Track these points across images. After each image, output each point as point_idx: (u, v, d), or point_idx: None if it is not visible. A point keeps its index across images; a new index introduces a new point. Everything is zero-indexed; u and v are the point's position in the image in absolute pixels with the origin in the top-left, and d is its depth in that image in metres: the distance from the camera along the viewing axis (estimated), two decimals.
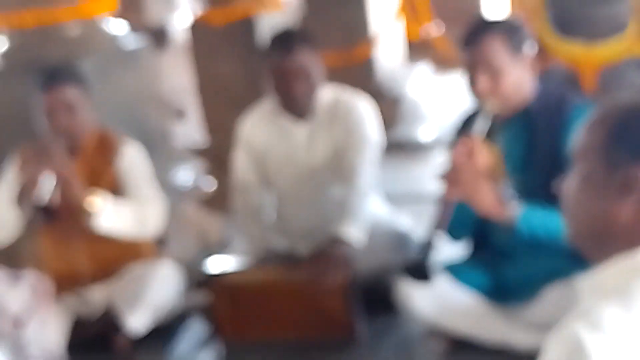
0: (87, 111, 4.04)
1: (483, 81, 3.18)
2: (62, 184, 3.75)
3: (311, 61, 3.91)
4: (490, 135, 3.14)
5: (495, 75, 3.18)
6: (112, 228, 3.91)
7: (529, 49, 3.27)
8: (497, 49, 3.18)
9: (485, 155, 3.04)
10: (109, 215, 3.87)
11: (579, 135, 1.81)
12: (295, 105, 3.96)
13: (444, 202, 3.06)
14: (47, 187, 3.66)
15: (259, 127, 4.10)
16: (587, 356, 1.54)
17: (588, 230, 1.76)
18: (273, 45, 3.96)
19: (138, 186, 4.06)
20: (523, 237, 3.02)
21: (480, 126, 3.14)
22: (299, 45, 3.89)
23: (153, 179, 4.15)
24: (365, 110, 4.02)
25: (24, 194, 3.70)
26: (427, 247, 3.04)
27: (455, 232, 3.31)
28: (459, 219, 3.20)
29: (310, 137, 4.03)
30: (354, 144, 3.94)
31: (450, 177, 3.04)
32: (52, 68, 4.15)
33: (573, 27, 7.82)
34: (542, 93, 3.28)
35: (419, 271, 3.06)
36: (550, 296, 3.24)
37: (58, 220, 3.75)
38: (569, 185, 1.79)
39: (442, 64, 9.71)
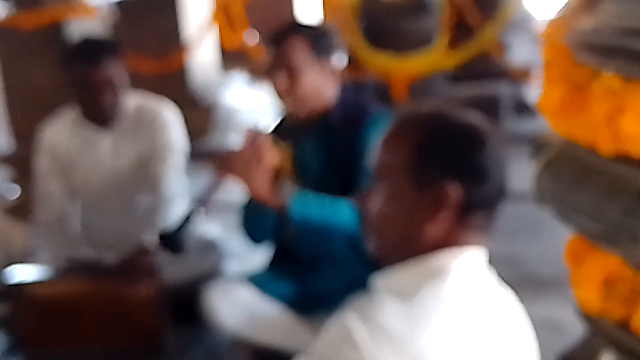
0: None
1: (281, 81, 3.20)
2: None
3: (116, 71, 3.84)
4: (284, 137, 3.16)
5: (292, 75, 3.19)
6: None
7: (334, 57, 3.30)
8: (298, 50, 3.19)
9: (269, 150, 3.05)
10: None
11: (377, 151, 1.81)
12: (100, 115, 3.90)
13: (215, 180, 3.05)
14: None
15: (62, 135, 4.01)
16: (355, 343, 1.59)
17: (394, 245, 1.78)
18: (77, 55, 3.87)
19: None
20: (296, 219, 3.01)
21: (269, 124, 3.19)
22: (104, 56, 3.81)
23: None
24: (169, 117, 4.00)
25: None
26: (185, 220, 3.02)
27: (255, 234, 3.30)
28: (258, 221, 3.20)
29: (114, 145, 3.97)
30: (159, 151, 3.92)
31: (228, 159, 3.03)
32: None
33: (384, 39, 8.03)
34: (342, 102, 3.31)
35: (172, 242, 3.04)
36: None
37: None
38: (374, 202, 1.79)
39: (257, 73, 9.77)
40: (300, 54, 3.19)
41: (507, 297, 1.82)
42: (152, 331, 3.64)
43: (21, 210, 5.41)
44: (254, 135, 3.05)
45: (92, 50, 3.85)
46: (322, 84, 3.24)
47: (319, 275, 3.34)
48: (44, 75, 6.54)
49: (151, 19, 7.77)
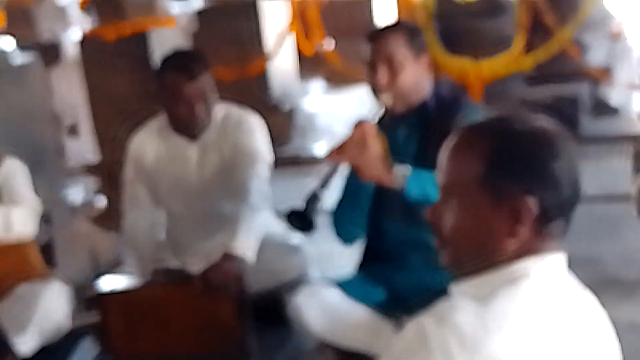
0: None
1: (382, 74, 3.27)
2: None
3: (209, 84, 3.90)
4: (382, 128, 3.22)
5: (394, 69, 3.28)
6: None
7: (427, 53, 3.39)
8: (399, 45, 3.29)
9: (376, 139, 3.12)
10: None
11: (446, 163, 1.78)
12: (190, 126, 3.96)
13: (332, 166, 3.11)
14: None
15: (149, 145, 4.08)
16: (429, 345, 1.60)
17: (470, 258, 1.75)
18: (170, 67, 3.92)
19: (10, 193, 4.03)
20: (414, 197, 3.04)
21: (373, 116, 3.24)
22: (198, 69, 3.86)
23: (29, 188, 4.11)
24: (254, 126, 4.04)
25: None
26: (312, 199, 3.06)
27: (346, 234, 3.36)
28: (350, 218, 3.26)
29: (201, 155, 4.03)
30: (244, 159, 3.94)
31: (340, 144, 3.10)
32: None
33: (459, 41, 8.00)
34: (436, 96, 3.39)
35: (302, 220, 3.09)
36: None
37: None
38: (447, 215, 1.77)
39: (334, 79, 9.81)
40: (401, 48, 3.30)
41: (588, 300, 1.80)
42: (237, 337, 3.67)
43: (107, 219, 5.53)
44: (363, 123, 3.13)
45: (186, 63, 3.90)
46: (419, 78, 3.34)
47: (408, 276, 3.38)
48: (126, 84, 6.67)
49: (230, 27, 7.85)
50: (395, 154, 3.18)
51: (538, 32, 7.89)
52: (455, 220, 1.76)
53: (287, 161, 6.22)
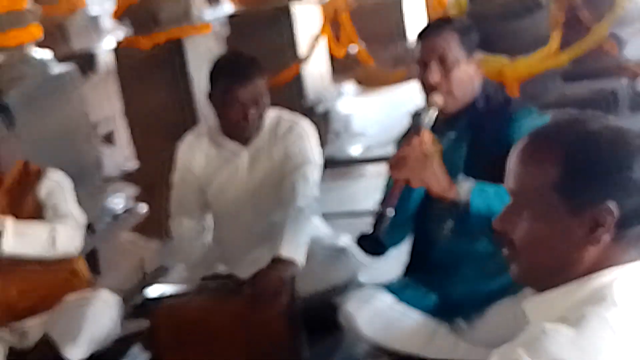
0: (10, 145, 3.97)
1: (435, 73, 3.21)
2: None
3: (262, 88, 3.87)
4: (436, 131, 3.17)
5: (446, 68, 3.21)
6: (16, 249, 3.82)
7: (478, 52, 3.32)
8: (452, 44, 3.23)
9: (432, 145, 3.06)
10: (12, 238, 3.78)
11: (516, 168, 1.69)
12: (242, 132, 3.94)
13: (394, 182, 3.06)
14: None
15: (199, 150, 4.05)
16: None
17: (546, 270, 1.67)
18: (224, 71, 3.89)
19: (55, 209, 3.99)
20: (479, 211, 2.99)
21: (428, 119, 3.17)
22: (253, 73, 3.84)
23: (73, 203, 4.08)
24: (305, 130, 4.02)
25: None
26: (379, 220, 3.01)
27: (389, 238, 3.18)
28: (395, 222, 3.20)
29: (252, 161, 4.00)
30: (295, 164, 3.92)
31: (399, 158, 3.04)
32: None
33: (493, 40, 7.94)
34: (487, 94, 3.32)
35: (373, 243, 3.04)
36: (498, 314, 3.24)
37: None
38: (518, 223, 1.68)
39: (365, 82, 9.78)
40: (453, 46, 3.23)
41: None
42: (289, 344, 3.65)
43: (149, 227, 5.52)
44: (418, 132, 3.08)
45: (240, 66, 3.87)
46: (470, 78, 3.27)
47: (459, 282, 3.33)
48: (163, 93, 6.66)
49: (262, 32, 7.83)
50: (444, 159, 3.11)
51: (573, 28, 7.82)
52: (529, 230, 1.66)
53: (324, 163, 6.19)
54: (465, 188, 3.01)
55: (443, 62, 3.22)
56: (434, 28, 3.32)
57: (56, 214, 3.98)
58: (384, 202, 3.04)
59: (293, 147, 3.95)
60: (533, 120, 3.10)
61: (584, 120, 1.68)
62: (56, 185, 4.05)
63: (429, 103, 3.23)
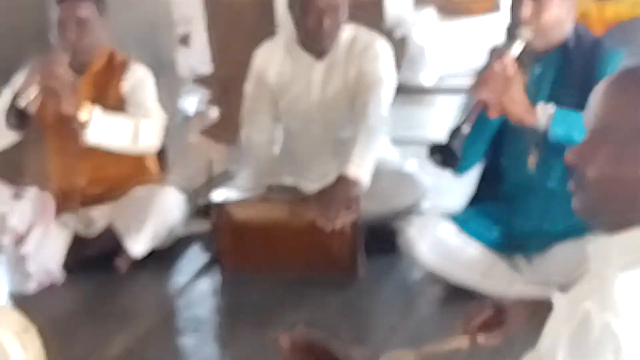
0: (99, 29, 4.01)
1: (528, 6, 3.20)
2: (55, 95, 3.67)
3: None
4: (521, 63, 3.16)
5: (541, 3, 3.20)
6: (101, 140, 3.82)
7: None
8: None
9: (518, 73, 3.07)
10: (98, 128, 3.78)
11: (605, 105, 1.63)
12: (320, 42, 3.93)
13: (474, 102, 3.08)
14: (29, 94, 3.60)
15: (275, 60, 4.06)
16: (617, 340, 1.41)
17: (614, 207, 1.61)
18: None
19: (138, 104, 4.01)
20: (559, 137, 3.00)
21: (514, 49, 3.17)
22: None
23: (155, 100, 4.10)
24: (381, 50, 4.00)
25: (12, 101, 3.67)
26: (455, 133, 3.04)
27: (462, 163, 3.23)
28: (470, 148, 3.21)
29: (325, 74, 4.00)
30: (368, 83, 3.91)
31: (482, 78, 3.06)
32: None
33: None
34: (578, 35, 3.31)
35: (446, 154, 3.07)
36: (558, 255, 3.25)
37: (27, 128, 3.75)
38: (599, 160, 1.60)
39: (446, 9, 9.66)
40: None
41: None
42: (348, 260, 3.70)
43: (219, 131, 5.55)
44: (502, 55, 3.08)
45: None
46: (563, 17, 3.26)
47: (527, 219, 3.34)
48: None
49: None
50: (530, 93, 3.12)
51: None
52: (608, 167, 1.60)
53: (397, 89, 6.16)
54: (546, 113, 3.01)
55: None
56: None
57: (139, 109, 3.99)
58: (462, 118, 3.06)
59: (368, 66, 3.94)
60: (622, 63, 3.10)
61: None
62: (140, 81, 4.08)
63: (517, 35, 3.21)
